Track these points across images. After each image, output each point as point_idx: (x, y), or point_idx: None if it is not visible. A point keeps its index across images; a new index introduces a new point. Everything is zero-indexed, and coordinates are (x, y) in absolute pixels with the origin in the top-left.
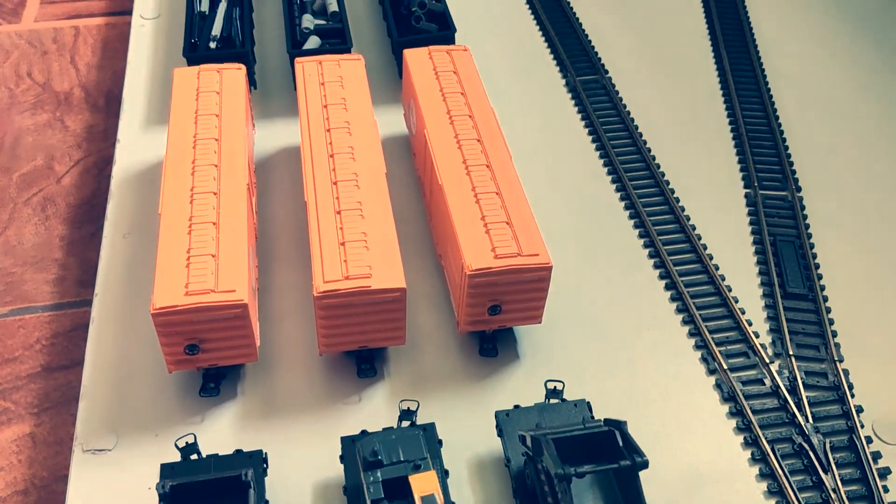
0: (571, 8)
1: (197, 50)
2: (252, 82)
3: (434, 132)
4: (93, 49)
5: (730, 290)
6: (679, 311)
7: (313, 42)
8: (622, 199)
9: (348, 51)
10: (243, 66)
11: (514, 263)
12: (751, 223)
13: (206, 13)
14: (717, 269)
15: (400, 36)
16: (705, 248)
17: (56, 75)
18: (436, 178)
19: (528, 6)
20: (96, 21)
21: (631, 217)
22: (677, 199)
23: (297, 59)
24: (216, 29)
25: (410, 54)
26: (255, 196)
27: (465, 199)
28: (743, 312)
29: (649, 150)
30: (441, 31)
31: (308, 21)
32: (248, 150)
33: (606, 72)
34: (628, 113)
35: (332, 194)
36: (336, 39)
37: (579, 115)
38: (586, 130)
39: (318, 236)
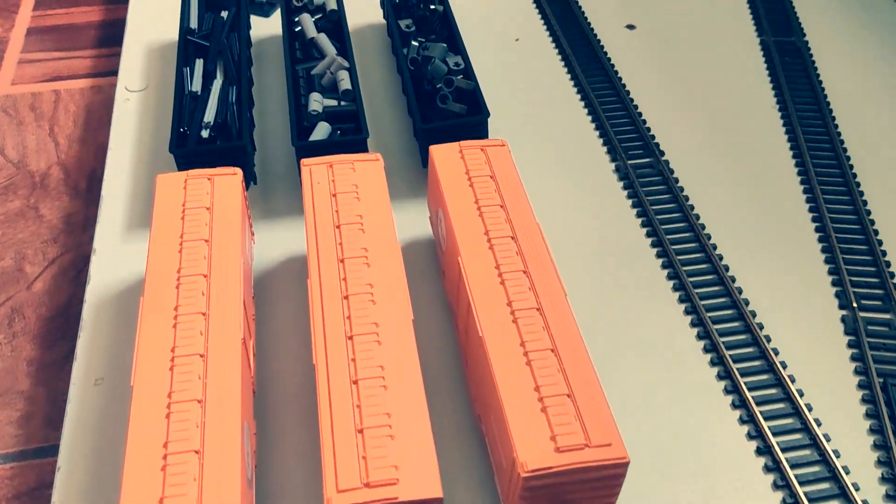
0: (621, 80)
1: (187, 142)
2: (251, 176)
3: (470, 261)
4: (74, 119)
5: (837, 457)
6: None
7: (322, 131)
8: (700, 337)
9: (364, 143)
10: (239, 172)
11: (581, 460)
12: (853, 358)
13: (199, 93)
14: (818, 424)
15: (424, 119)
16: (801, 394)
17: (32, 152)
18: (474, 323)
19: (570, 78)
20: (79, 84)
21: (713, 364)
22: (760, 326)
23: (304, 162)
24: (209, 114)
25: (438, 152)
26: (252, 337)
27: (512, 358)
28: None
29: (720, 258)
30: (472, 113)
31: (316, 102)
32: (244, 285)
33: (662, 153)
34: (692, 209)
35: (346, 355)
36: (349, 124)
37: (634, 213)
38: (644, 232)
39: (329, 418)
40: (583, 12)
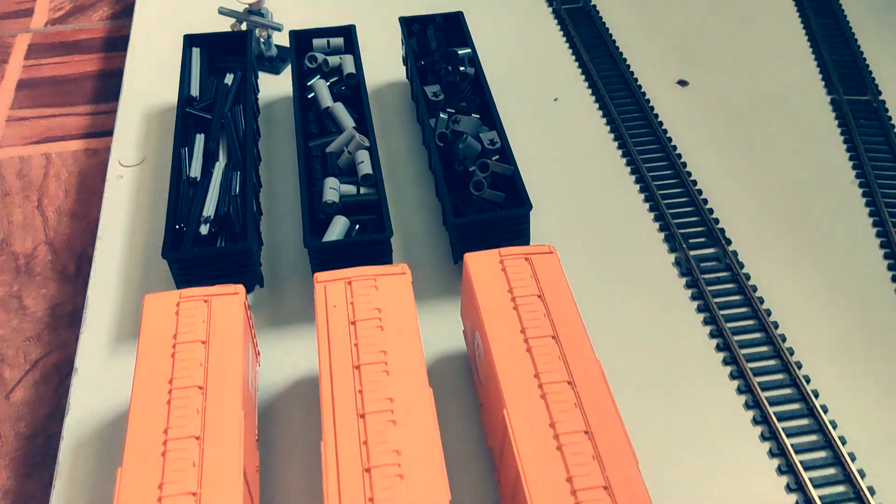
0: (672, 143)
1: (182, 243)
2: (257, 278)
3: (516, 411)
4: (66, 187)
5: None
6: None
7: (339, 228)
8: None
9: (387, 244)
10: (241, 291)
11: None
12: None
13: (198, 178)
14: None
15: (456, 211)
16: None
17: (18, 228)
18: (522, 490)
19: (616, 144)
20: (72, 145)
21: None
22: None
23: (318, 277)
24: (209, 207)
25: (474, 261)
26: (257, 469)
27: None
28: None
29: (798, 366)
30: (510, 202)
31: (332, 191)
32: (245, 447)
33: (729, 241)
34: (768, 313)
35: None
36: (370, 215)
37: (707, 331)
38: (713, 344)
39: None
40: (628, 66)
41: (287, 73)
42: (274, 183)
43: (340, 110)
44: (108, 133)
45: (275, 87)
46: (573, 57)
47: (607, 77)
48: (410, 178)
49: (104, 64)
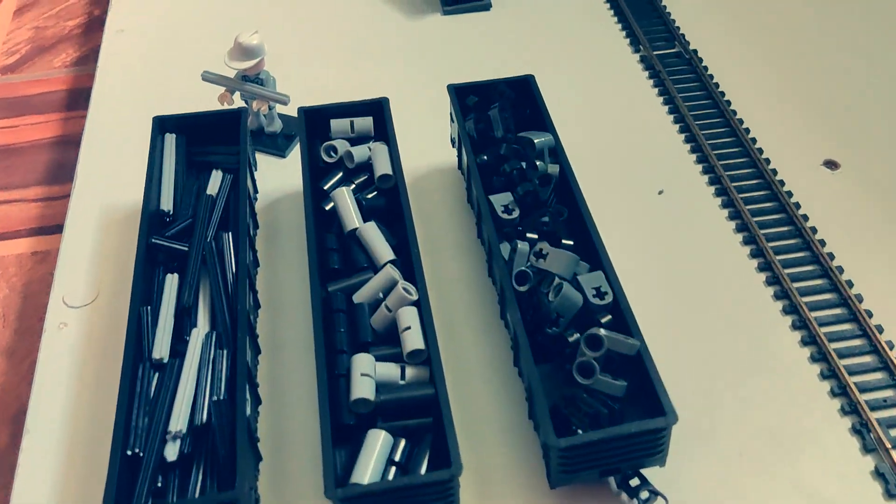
0: (841, 272)
1: (136, 482)
2: None
3: None
4: (4, 309)
5: None
6: None
7: (375, 457)
8: None
9: (453, 484)
10: None
11: None
12: None
13: (165, 360)
14: None
15: (556, 417)
16: None
17: None
18: None
19: (746, 250)
20: (16, 247)
21: None
22: None
23: None
24: (177, 419)
25: None
26: None
27: None
28: None
29: None
30: (637, 395)
31: (364, 386)
32: None
33: None
34: None
35: None
36: (422, 419)
37: None
38: None
39: None
40: (755, 144)
41: (296, 155)
42: (278, 348)
43: (373, 236)
44: (59, 229)
45: (280, 175)
46: (676, 126)
47: (726, 154)
48: (472, 329)
49: (65, 127)
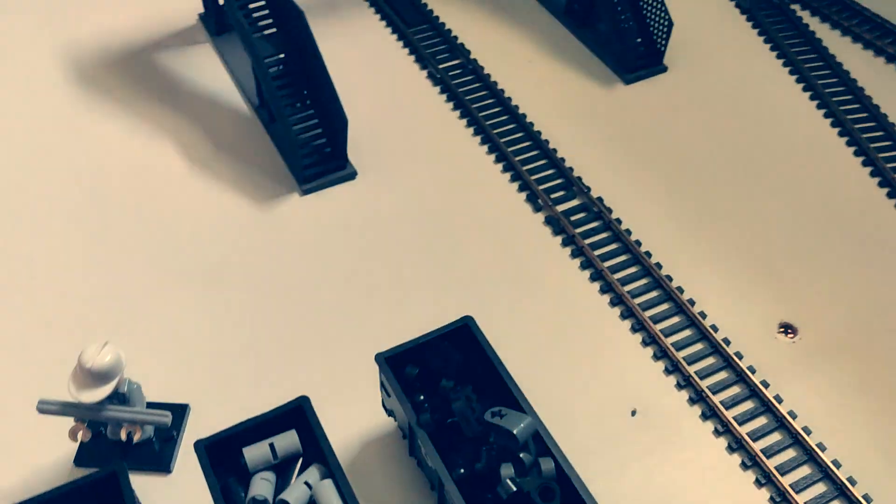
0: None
1: None
2: None
3: None
4: None
5: None
6: None
7: None
8: None
9: None
10: None
11: None
12: None
13: None
14: None
15: None
16: None
17: None
18: None
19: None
20: None
21: None
22: None
23: None
24: None
25: None
26: None
27: None
28: None
29: None
30: None
31: None
32: None
33: None
34: None
35: None
36: None
37: None
38: None
39: None
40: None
41: (186, 465)
42: None
43: None
44: None
45: (176, 498)
46: (631, 328)
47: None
48: None
49: None
